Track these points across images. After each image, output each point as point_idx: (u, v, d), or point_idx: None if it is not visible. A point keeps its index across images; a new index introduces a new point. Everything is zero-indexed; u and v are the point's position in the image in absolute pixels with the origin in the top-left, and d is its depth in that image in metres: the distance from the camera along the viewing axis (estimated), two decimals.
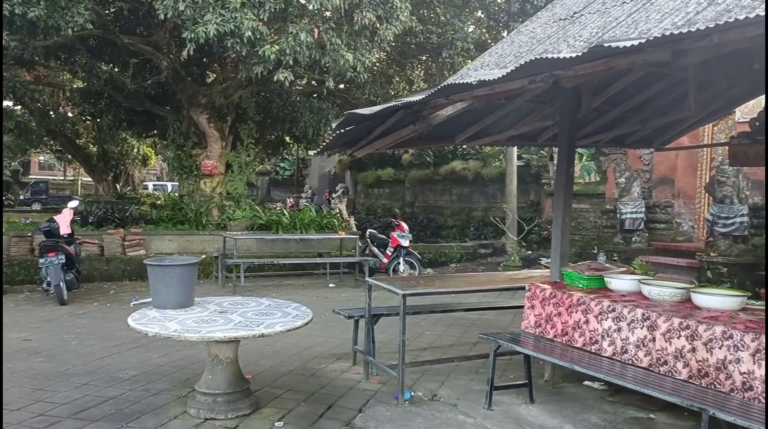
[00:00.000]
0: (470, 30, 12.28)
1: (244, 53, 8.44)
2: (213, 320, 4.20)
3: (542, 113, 6.25)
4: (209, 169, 13.11)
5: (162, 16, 8.50)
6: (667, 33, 2.48)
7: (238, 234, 11.17)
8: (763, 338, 3.34)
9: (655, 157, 11.24)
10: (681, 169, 10.98)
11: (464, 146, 18.52)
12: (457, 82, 3.56)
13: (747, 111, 8.55)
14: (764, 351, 3.31)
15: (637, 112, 6.52)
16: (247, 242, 11.49)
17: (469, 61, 10.40)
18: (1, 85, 11.62)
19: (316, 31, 8.51)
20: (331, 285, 11.17)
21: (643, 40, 2.49)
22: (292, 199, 22.77)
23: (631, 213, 10.78)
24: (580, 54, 2.71)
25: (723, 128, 10.08)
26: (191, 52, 8.74)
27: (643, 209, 10.83)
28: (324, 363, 5.93)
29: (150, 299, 4.60)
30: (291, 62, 8.55)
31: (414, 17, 9.77)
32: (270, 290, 10.37)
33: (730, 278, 8.46)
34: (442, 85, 3.68)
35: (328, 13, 9.12)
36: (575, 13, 4.91)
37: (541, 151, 14.40)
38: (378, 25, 8.83)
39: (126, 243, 11.16)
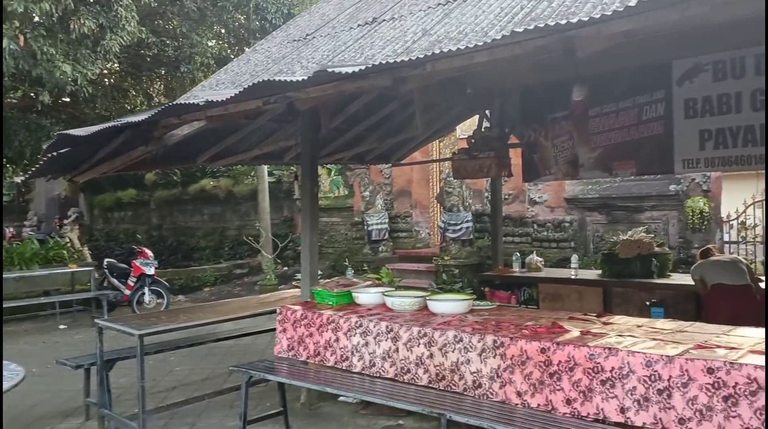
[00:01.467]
0: (211, 44, 11.87)
1: None
2: None
3: (286, 132, 6.23)
4: None
5: None
6: (384, 61, 2.57)
7: None
8: (487, 338, 3.68)
9: (394, 172, 12.11)
10: (416, 181, 12.02)
11: None
12: (187, 101, 3.30)
13: (465, 128, 9.64)
14: (492, 351, 3.65)
15: (374, 131, 6.90)
16: None
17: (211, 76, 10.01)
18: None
19: (21, 38, 7.34)
20: (62, 326, 9.76)
21: (363, 67, 2.55)
22: (12, 229, 19.51)
23: (377, 224, 11.46)
24: (306, 78, 2.68)
25: (448, 144, 11.28)
26: None
27: (387, 220, 11.60)
28: (50, 423, 5.08)
29: None
30: None
31: (145, 28, 9.05)
32: None
33: (461, 278, 9.45)
34: (167, 105, 3.38)
35: (37, 18, 7.96)
36: (308, 35, 4.98)
37: (291, 167, 14.56)
38: (101, 34, 7.96)
39: None
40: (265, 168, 13.25)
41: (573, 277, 6.30)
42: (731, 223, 9.11)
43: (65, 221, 17.27)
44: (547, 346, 3.41)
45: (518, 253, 6.93)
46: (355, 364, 4.35)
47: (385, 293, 4.72)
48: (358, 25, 4.48)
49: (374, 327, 4.27)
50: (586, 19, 1.88)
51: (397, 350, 4.12)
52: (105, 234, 20.20)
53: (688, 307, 5.47)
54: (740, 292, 5.13)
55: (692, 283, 5.65)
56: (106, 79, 14.83)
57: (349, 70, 2.55)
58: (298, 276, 11.29)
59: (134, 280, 10.48)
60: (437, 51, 2.40)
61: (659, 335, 3.50)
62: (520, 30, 2.05)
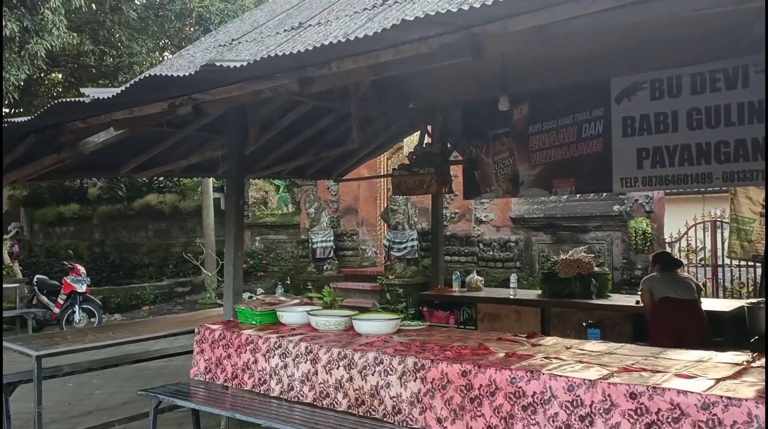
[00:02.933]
0: (154, 55, 11.50)
1: None
2: None
3: (216, 143, 5.95)
4: None
5: None
6: (271, 54, 2.36)
7: None
8: (408, 360, 3.45)
9: (341, 188, 11.89)
10: (363, 199, 11.80)
11: (160, 179, 17.37)
12: (74, 100, 3.01)
13: (412, 144, 9.52)
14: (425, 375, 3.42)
15: (311, 144, 6.68)
16: None
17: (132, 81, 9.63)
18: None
19: None
20: None
21: (248, 62, 2.33)
22: None
23: (322, 242, 11.17)
24: (192, 73, 2.44)
25: (396, 161, 11.12)
26: None
27: (332, 238, 11.32)
28: None
29: None
30: None
31: (78, 35, 8.62)
32: None
33: (406, 298, 9.23)
34: (53, 104, 3.09)
35: None
36: (234, 40, 4.75)
37: None
38: (26, 37, 7.52)
39: None
40: (210, 183, 12.85)
41: (512, 297, 6.15)
42: (674, 244, 9.15)
43: (6, 236, 16.45)
44: (469, 369, 3.21)
45: (458, 273, 6.76)
46: (273, 388, 4.07)
47: (310, 312, 4.46)
48: (284, 30, 4.28)
49: (294, 348, 4.01)
50: (478, 6, 1.72)
51: (316, 373, 3.86)
52: (45, 250, 19.31)
53: (625, 328, 5.37)
54: (687, 306, 5.07)
55: (631, 304, 5.57)
56: (51, 89, 14.30)
57: (237, 64, 2.33)
58: None
59: (64, 297, 9.92)
60: (334, 41, 2.20)
61: (587, 357, 3.34)
62: (411, 19, 1.88)
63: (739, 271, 8.51)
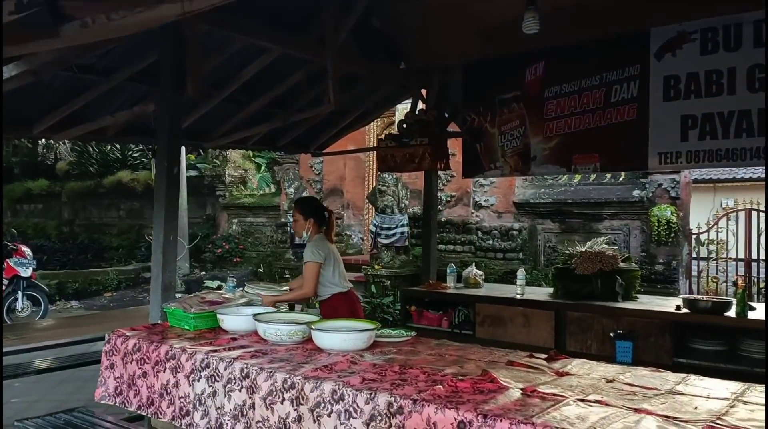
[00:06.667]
0: None
1: None
2: None
3: (153, 98, 4.80)
4: None
5: None
6: None
7: None
8: (380, 398, 2.34)
9: (326, 167, 10.74)
10: (349, 179, 10.63)
11: (135, 154, 16.18)
12: None
13: None
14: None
15: (280, 107, 5.56)
16: None
17: None
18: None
19: None
20: None
21: None
22: None
23: None
24: None
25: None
26: None
27: None
28: None
29: None
30: None
31: None
32: None
33: (394, 291, 8.13)
34: None
35: None
36: None
37: (215, 160, 13.01)
38: None
39: None
40: (183, 159, 11.69)
41: (518, 296, 5.05)
42: (701, 235, 8.03)
43: None
44: (468, 420, 2.10)
45: (453, 265, 5.63)
46: (198, 423, 2.96)
47: (257, 317, 3.34)
48: None
49: (225, 370, 2.89)
50: None
51: (253, 406, 2.75)
52: (12, 228, 18.13)
53: (663, 340, 4.28)
54: None
55: (669, 309, 4.47)
56: None
57: None
58: (208, 282, 9.82)
59: (6, 282, 8.77)
60: None
61: (642, 401, 2.24)
62: None
63: None
